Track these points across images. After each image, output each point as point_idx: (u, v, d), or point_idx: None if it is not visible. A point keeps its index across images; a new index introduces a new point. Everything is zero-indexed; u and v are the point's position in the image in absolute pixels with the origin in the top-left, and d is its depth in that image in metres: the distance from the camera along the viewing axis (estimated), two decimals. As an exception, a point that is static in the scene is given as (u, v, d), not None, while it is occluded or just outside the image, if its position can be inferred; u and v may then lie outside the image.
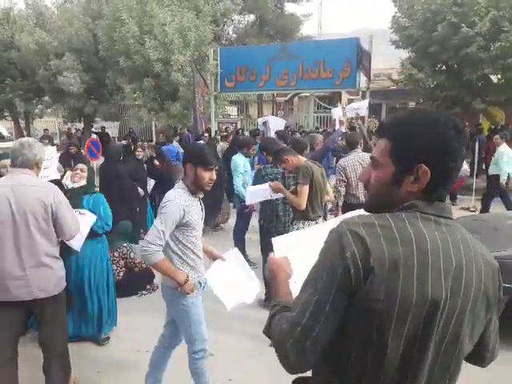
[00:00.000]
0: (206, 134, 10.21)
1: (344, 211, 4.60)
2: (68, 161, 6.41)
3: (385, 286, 0.95)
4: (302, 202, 3.52)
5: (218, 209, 6.78)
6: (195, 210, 2.46)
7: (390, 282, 0.95)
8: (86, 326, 3.61)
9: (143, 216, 6.55)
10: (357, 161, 4.73)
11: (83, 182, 3.56)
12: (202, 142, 8.91)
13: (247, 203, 4.28)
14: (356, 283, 0.97)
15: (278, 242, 1.60)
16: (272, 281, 1.32)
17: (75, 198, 3.33)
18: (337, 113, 8.16)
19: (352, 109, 8.23)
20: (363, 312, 0.98)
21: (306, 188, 3.54)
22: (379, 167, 1.09)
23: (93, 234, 3.40)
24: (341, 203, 4.74)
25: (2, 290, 2.41)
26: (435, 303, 0.97)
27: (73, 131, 17.90)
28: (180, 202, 2.36)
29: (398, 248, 0.97)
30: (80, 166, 3.63)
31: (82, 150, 8.18)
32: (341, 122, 4.93)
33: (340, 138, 5.58)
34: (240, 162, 5.44)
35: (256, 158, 7.88)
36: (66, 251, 3.29)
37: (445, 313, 0.99)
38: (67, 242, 2.90)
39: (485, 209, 7.87)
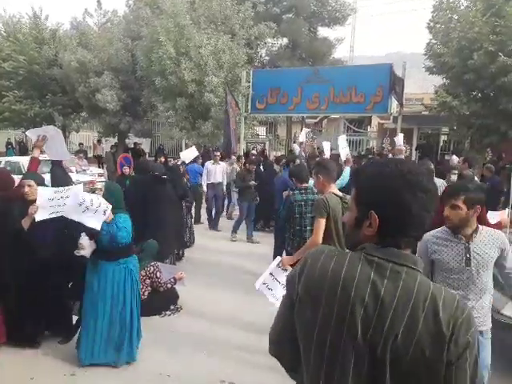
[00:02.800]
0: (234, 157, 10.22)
1: None
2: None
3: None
4: (316, 236, 3.42)
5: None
6: None
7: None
8: (102, 352, 3.50)
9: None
10: None
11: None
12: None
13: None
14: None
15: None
16: None
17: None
18: (339, 143, 8.18)
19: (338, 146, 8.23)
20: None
21: (321, 221, 3.43)
22: (349, 210, 1.23)
23: (115, 254, 3.41)
24: None
25: None
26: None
27: (103, 145, 18.50)
28: None
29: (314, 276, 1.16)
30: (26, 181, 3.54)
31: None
32: (399, 151, 4.71)
33: None
34: None
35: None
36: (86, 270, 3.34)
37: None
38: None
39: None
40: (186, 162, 8.33)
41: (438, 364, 1.04)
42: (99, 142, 18.93)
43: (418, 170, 1.14)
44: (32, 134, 4.24)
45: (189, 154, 8.50)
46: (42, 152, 4.20)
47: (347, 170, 4.63)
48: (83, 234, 3.39)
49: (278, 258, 3.47)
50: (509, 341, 3.62)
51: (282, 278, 3.30)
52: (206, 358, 3.68)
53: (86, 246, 3.38)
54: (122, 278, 3.48)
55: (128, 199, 6.25)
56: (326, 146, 8.53)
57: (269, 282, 3.38)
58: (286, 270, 3.40)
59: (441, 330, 1.03)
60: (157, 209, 5.85)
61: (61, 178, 4.33)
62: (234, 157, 9.83)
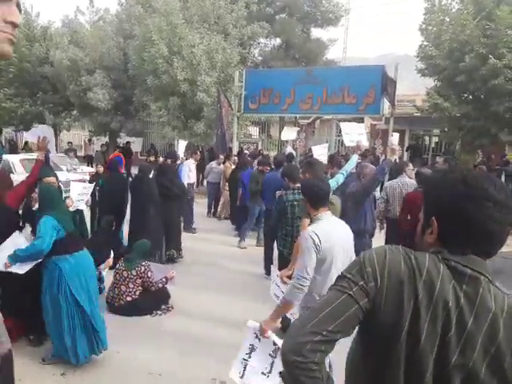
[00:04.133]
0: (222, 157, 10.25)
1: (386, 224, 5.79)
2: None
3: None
4: None
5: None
6: None
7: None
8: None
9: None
10: (397, 183, 5.64)
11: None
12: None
13: None
14: None
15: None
16: None
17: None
18: (317, 149, 8.38)
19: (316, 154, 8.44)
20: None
21: (306, 222, 3.47)
22: (419, 219, 1.23)
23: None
24: (381, 217, 5.71)
25: None
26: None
27: (93, 145, 18.33)
28: None
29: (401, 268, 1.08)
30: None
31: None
32: (393, 151, 4.65)
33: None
34: None
35: None
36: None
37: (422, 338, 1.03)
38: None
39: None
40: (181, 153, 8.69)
41: None
42: (90, 141, 18.75)
43: (487, 178, 1.09)
44: (32, 136, 4.36)
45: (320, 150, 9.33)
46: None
47: (354, 158, 4.65)
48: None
49: (254, 325, 2.53)
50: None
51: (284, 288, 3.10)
52: (197, 357, 3.67)
53: None
54: (56, 276, 3.36)
55: (102, 198, 6.34)
56: (317, 151, 8.61)
57: (276, 291, 3.22)
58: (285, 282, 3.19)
59: None
60: (135, 207, 5.93)
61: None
62: (221, 156, 9.84)
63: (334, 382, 2.12)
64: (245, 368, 2.45)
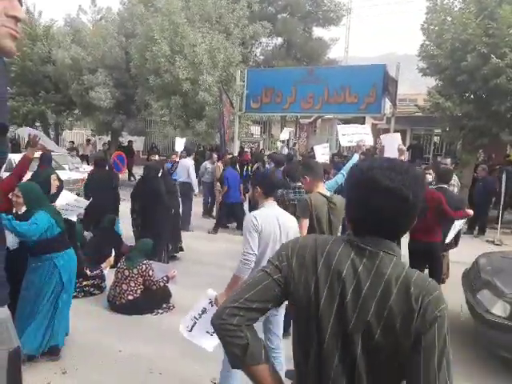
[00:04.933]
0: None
1: None
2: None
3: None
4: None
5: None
6: None
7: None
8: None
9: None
10: None
11: (23, 209, 3.44)
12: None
13: None
14: None
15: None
16: None
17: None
18: (319, 149, 8.38)
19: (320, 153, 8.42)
20: None
21: (304, 222, 3.48)
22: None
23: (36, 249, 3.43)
24: None
25: None
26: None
27: (90, 146, 18.31)
28: None
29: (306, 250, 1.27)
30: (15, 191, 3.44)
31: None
32: (401, 151, 4.73)
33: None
34: None
35: None
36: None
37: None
38: None
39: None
40: (178, 150, 8.95)
41: (406, 337, 1.10)
42: (88, 141, 18.63)
43: (382, 165, 1.17)
44: (23, 133, 4.30)
45: (179, 143, 9.44)
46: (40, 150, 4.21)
47: (355, 157, 4.70)
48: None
49: (211, 294, 2.85)
50: (499, 340, 3.65)
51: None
52: (197, 357, 3.68)
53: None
54: (46, 271, 3.45)
55: (86, 196, 6.36)
56: (319, 151, 8.57)
57: (201, 323, 2.85)
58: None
59: (410, 303, 1.10)
60: (144, 206, 5.91)
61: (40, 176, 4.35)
62: (215, 155, 9.87)
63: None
64: (194, 325, 2.85)
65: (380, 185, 1.14)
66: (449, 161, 8.13)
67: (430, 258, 4.73)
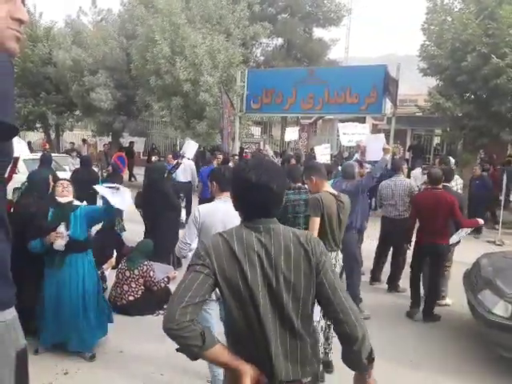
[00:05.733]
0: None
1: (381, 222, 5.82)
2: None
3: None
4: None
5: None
6: None
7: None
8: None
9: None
10: (389, 183, 5.54)
11: (70, 198, 3.66)
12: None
13: None
14: None
15: None
16: None
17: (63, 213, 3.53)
18: (319, 149, 8.36)
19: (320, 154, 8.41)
20: None
21: (315, 220, 3.50)
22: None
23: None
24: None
25: None
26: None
27: (88, 144, 18.25)
28: None
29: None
30: (63, 182, 3.74)
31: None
32: (386, 150, 4.76)
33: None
34: None
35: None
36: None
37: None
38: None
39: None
40: (189, 157, 8.41)
41: (310, 271, 1.52)
42: (84, 141, 18.47)
43: (253, 165, 1.55)
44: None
45: (191, 149, 8.25)
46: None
47: (383, 160, 4.80)
48: (62, 224, 3.46)
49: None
50: (501, 340, 3.65)
51: None
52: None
53: (64, 235, 3.43)
54: (87, 266, 3.70)
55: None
56: (319, 151, 8.58)
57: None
58: None
59: (305, 247, 1.53)
60: (150, 210, 5.88)
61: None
62: (219, 156, 9.84)
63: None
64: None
65: (252, 182, 1.50)
66: (453, 161, 8.11)
67: (434, 259, 4.73)
